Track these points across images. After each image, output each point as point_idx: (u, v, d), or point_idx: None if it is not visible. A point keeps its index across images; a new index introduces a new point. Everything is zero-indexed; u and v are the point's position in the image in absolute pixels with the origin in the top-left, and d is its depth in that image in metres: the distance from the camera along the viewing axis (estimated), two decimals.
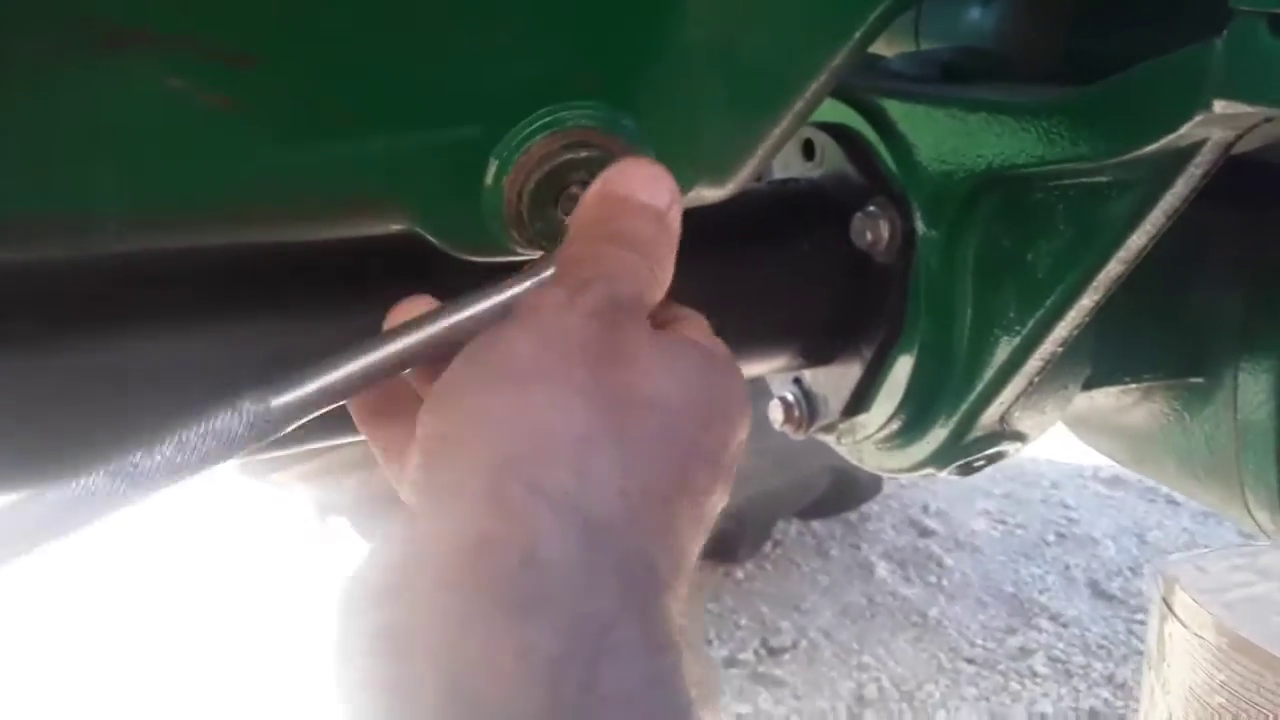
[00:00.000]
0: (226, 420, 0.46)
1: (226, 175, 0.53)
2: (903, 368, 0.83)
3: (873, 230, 0.80)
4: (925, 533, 3.38)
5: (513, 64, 0.56)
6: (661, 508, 0.45)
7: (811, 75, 0.62)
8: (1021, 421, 0.86)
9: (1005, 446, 0.88)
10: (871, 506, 3.39)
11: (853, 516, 3.38)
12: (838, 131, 0.85)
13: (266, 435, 0.47)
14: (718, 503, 0.52)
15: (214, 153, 0.52)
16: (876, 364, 0.84)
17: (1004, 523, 3.51)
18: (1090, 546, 3.40)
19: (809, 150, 0.87)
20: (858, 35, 0.61)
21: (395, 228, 0.60)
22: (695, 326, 0.57)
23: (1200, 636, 0.69)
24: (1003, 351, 0.79)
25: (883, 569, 3.16)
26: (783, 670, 2.69)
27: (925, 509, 3.52)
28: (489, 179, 0.58)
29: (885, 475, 0.96)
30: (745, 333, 0.85)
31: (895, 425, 0.86)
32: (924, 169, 0.79)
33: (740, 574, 3.07)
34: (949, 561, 3.22)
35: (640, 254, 0.52)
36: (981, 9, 0.91)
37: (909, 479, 3.60)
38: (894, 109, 0.81)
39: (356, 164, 0.56)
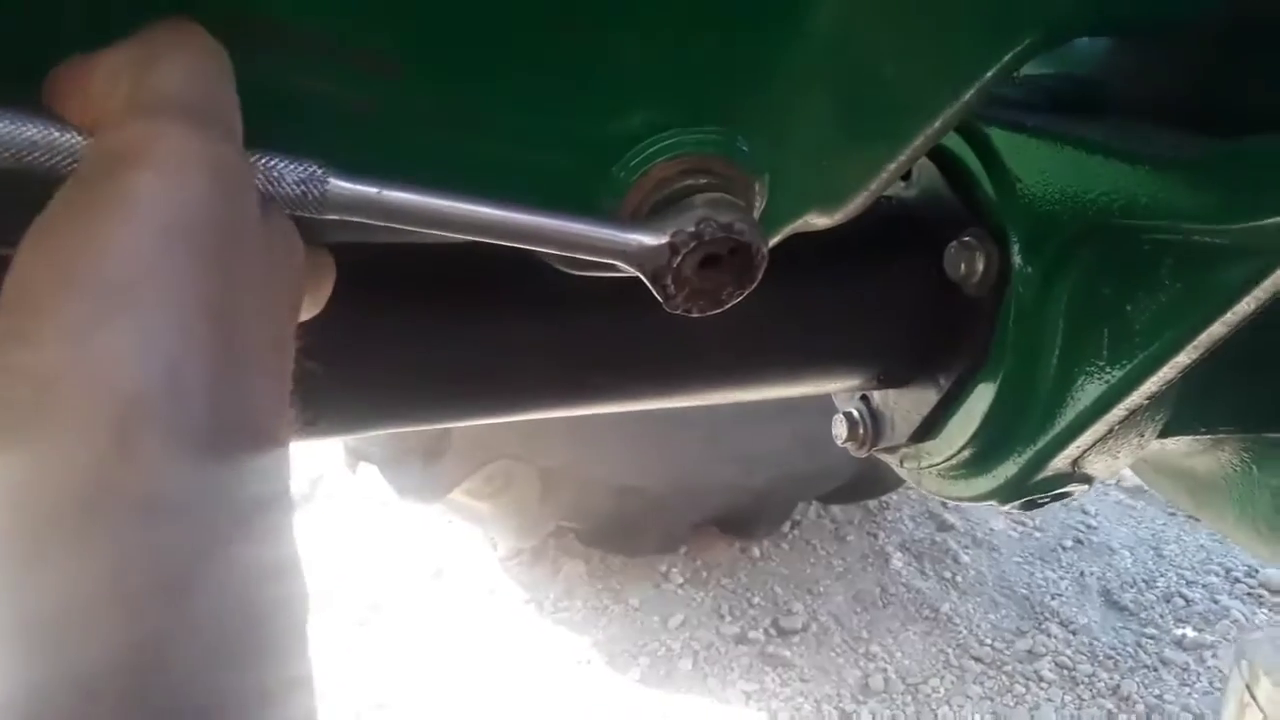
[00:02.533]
0: (283, 166, 0.45)
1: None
2: (980, 400, 0.81)
3: (967, 262, 0.78)
4: (943, 527, 3.38)
5: (637, 85, 0.55)
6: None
7: (938, 111, 0.60)
8: (1093, 465, 0.84)
9: (1071, 488, 0.86)
10: (891, 496, 3.38)
11: (872, 504, 3.38)
12: (937, 155, 0.83)
13: (309, 206, 0.46)
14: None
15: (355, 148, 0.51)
16: (954, 394, 0.83)
17: (1023, 524, 3.50)
18: (1106, 555, 3.39)
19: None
20: (991, 74, 0.59)
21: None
22: None
23: None
24: (1087, 397, 0.77)
25: (898, 560, 3.16)
26: (791, 652, 2.70)
27: (945, 504, 3.52)
28: (604, 197, 0.56)
29: (942, 501, 0.94)
30: (824, 350, 0.84)
31: (964, 456, 0.85)
32: (1027, 204, 0.77)
33: (756, 552, 3.08)
34: (965, 558, 3.22)
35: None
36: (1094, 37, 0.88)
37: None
38: (1000, 138, 0.79)
39: (475, 172, 0.54)
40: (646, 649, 2.65)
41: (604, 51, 0.53)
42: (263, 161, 0.44)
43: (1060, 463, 0.82)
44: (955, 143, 0.82)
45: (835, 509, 3.33)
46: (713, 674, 2.59)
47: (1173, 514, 3.76)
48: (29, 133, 0.39)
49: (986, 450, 0.83)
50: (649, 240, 0.53)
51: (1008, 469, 0.83)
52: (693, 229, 0.53)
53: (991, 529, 3.44)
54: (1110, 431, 0.79)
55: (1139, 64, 0.82)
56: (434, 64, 0.51)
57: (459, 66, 0.51)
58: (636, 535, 2.87)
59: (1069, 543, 3.43)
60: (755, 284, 0.56)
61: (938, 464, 0.87)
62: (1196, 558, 3.43)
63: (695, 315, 0.56)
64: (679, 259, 0.54)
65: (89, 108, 0.40)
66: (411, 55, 0.50)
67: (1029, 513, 3.50)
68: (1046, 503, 0.87)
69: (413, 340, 0.71)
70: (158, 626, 0.33)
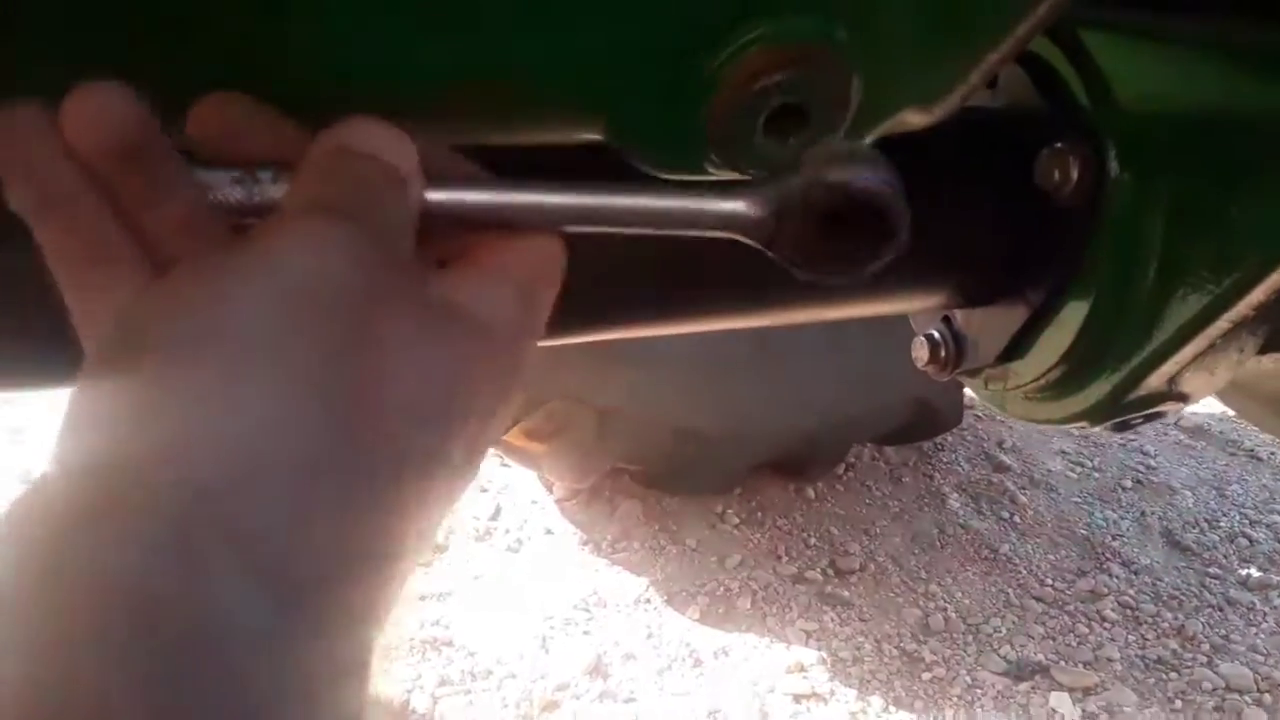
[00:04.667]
0: None
1: (428, 61, 0.50)
2: (1073, 317, 0.79)
3: (1060, 169, 0.75)
4: (1000, 468, 3.34)
5: None
6: (381, 559, 0.37)
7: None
8: (1189, 383, 0.82)
9: (1166, 407, 0.84)
10: (946, 437, 3.35)
11: (927, 445, 3.35)
12: (1025, 58, 0.80)
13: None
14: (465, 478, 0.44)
15: (419, 34, 0.49)
16: (1044, 310, 0.80)
17: (1081, 465, 3.45)
18: (1167, 495, 3.34)
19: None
20: None
21: (586, 136, 0.57)
22: (488, 267, 0.47)
23: None
24: (1188, 309, 0.74)
25: (955, 500, 3.13)
26: (849, 591, 2.69)
27: (1001, 444, 3.48)
28: (694, 89, 0.54)
29: (1034, 424, 0.92)
30: (906, 266, 0.82)
31: (1054, 375, 0.82)
32: (1123, 107, 0.74)
33: (811, 493, 3.06)
34: (1022, 499, 3.18)
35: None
36: None
37: (986, 413, 3.56)
38: (1091, 38, 0.76)
39: (558, 63, 0.52)
40: (705, 588, 2.65)
41: None
42: None
43: (1156, 380, 0.80)
44: (1042, 45, 0.79)
45: (889, 451, 3.30)
46: (771, 613, 2.58)
47: (1234, 454, 3.70)
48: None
49: (1078, 369, 0.81)
50: (750, 211, 0.50)
51: (1100, 388, 0.81)
52: (799, 195, 0.49)
53: (1049, 469, 3.40)
54: (1211, 346, 0.76)
55: None
56: None
57: None
58: (692, 476, 2.87)
59: (1129, 483, 3.38)
60: (900, 244, 0.50)
61: (1025, 385, 0.85)
62: (1259, 498, 3.37)
63: (837, 283, 0.52)
64: (790, 228, 0.50)
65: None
66: None
67: (1086, 452, 3.44)
68: (1139, 423, 0.85)
69: None
70: None
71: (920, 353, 0.91)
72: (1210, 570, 2.95)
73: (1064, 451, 3.51)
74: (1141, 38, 0.73)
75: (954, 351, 0.89)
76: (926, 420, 3.04)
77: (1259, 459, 3.63)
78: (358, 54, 0.48)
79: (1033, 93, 0.80)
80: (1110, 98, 0.75)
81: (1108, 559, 2.94)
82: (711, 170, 0.57)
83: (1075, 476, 3.39)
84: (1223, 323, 0.74)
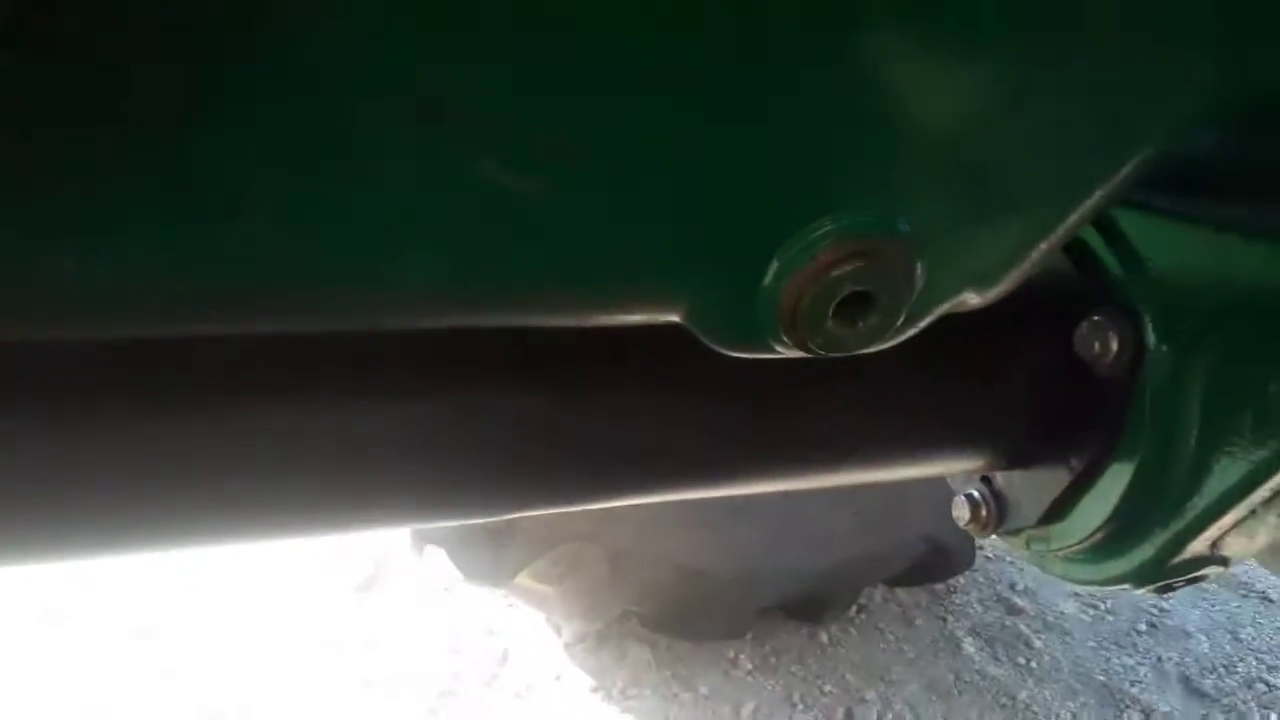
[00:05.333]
0: None
1: (520, 260, 0.53)
2: (1115, 482, 0.81)
3: (1100, 341, 0.78)
4: (1013, 610, 3.31)
5: (806, 168, 0.55)
6: None
7: (1089, 192, 0.61)
8: (1230, 547, 0.83)
9: (1208, 570, 0.85)
10: (957, 578, 3.32)
11: (939, 587, 3.32)
12: None
13: None
14: None
15: (512, 237, 0.52)
16: (1087, 475, 0.82)
17: (1095, 607, 3.42)
18: (1182, 639, 3.30)
19: None
20: (1146, 156, 0.60)
21: (661, 318, 0.59)
22: None
23: None
24: (1229, 478, 0.76)
25: (969, 645, 3.09)
26: None
27: (1013, 586, 3.45)
28: (768, 279, 0.57)
29: (1074, 584, 0.93)
30: (951, 430, 0.84)
31: (1097, 539, 0.84)
32: (1158, 283, 0.77)
33: (824, 637, 3.02)
34: (1037, 643, 3.14)
35: None
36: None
37: (998, 553, 3.54)
38: (1123, 217, 0.79)
39: (643, 256, 0.55)
40: None
41: (785, 136, 0.54)
42: None
43: (1199, 545, 0.81)
44: None
45: (901, 592, 3.27)
46: None
47: (1246, 596, 3.66)
48: None
49: (1121, 533, 0.82)
50: None
51: (1144, 552, 0.82)
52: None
53: (1062, 612, 3.36)
54: (1252, 512, 0.78)
55: (1266, 143, 0.82)
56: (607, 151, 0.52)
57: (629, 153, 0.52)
58: (703, 620, 2.83)
59: (1143, 627, 3.35)
60: None
61: (1068, 546, 0.86)
62: (1274, 641, 3.33)
63: None
64: None
65: None
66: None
67: (1100, 595, 3.42)
68: (1181, 586, 0.86)
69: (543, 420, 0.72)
70: None
71: (960, 512, 0.93)
72: (1230, 717, 2.90)
73: (1076, 594, 3.48)
74: (1176, 218, 0.76)
75: (994, 511, 0.91)
76: (939, 561, 3.02)
77: (1271, 601, 3.59)
78: (469, 267, 0.51)
79: (1067, 264, 0.83)
80: (1145, 274, 0.78)
81: (1127, 706, 2.89)
82: (780, 350, 0.60)
83: (1089, 619, 3.35)
84: (1264, 490, 0.75)
